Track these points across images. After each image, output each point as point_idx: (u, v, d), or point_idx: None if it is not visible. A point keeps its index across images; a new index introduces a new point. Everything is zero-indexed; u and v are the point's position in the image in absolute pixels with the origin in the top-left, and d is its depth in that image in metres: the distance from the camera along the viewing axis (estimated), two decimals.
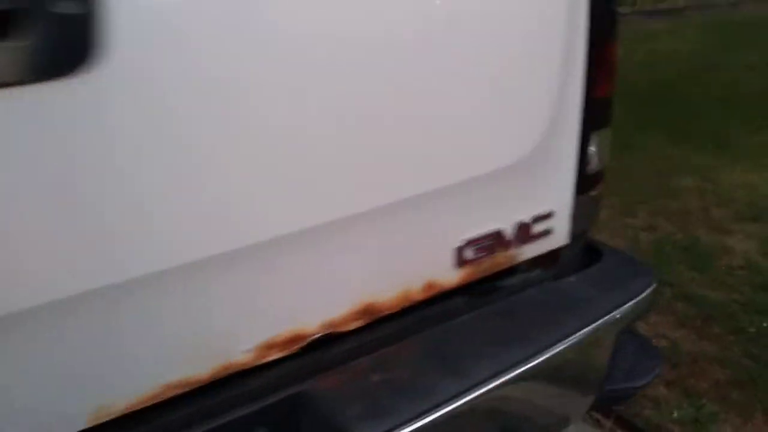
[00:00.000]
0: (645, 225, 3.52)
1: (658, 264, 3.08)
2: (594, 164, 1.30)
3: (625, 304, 1.23)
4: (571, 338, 1.11)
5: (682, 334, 2.65)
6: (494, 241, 1.16)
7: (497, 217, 1.15)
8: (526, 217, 1.19)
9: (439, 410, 0.95)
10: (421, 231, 1.06)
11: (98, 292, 0.79)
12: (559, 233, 1.26)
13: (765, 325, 2.59)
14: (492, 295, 1.23)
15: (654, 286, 1.31)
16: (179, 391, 0.90)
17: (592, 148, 1.29)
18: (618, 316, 1.21)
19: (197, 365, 0.90)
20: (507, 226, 1.17)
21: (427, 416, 0.94)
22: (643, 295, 1.27)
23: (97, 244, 0.77)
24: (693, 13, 8.79)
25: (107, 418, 0.84)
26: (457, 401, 0.97)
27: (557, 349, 1.09)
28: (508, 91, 1.08)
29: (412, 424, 0.92)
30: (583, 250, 1.40)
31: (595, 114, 1.25)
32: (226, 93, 0.80)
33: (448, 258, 1.10)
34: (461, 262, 1.13)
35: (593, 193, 1.33)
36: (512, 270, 1.28)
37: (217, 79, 0.79)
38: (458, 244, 1.12)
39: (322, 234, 0.95)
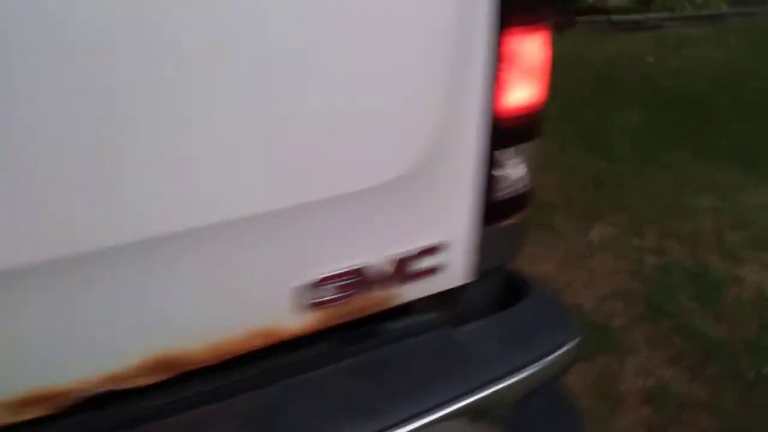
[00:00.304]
0: (653, 247, 3.22)
1: (660, 292, 2.81)
2: (511, 187, 1.06)
3: (530, 364, 0.99)
4: (442, 408, 0.88)
5: (673, 372, 2.38)
6: (359, 278, 0.93)
7: (363, 249, 0.92)
8: (405, 250, 0.96)
9: None
10: (247, 265, 0.83)
11: None
12: (456, 270, 1.02)
13: (766, 371, 2.29)
14: (367, 343, 1.00)
15: (578, 340, 1.07)
16: None
17: (509, 167, 1.05)
18: (519, 379, 0.97)
19: None
20: (378, 260, 0.94)
21: None
22: (560, 352, 1.02)
23: None
24: (736, 19, 8.29)
25: None
26: None
27: (417, 424, 0.85)
28: (372, 93, 0.84)
29: None
30: (503, 290, 1.16)
31: (509, 126, 1.01)
32: None
33: (286, 300, 0.88)
34: (310, 304, 0.90)
35: (510, 221, 1.09)
36: (405, 310, 1.06)
37: None
38: (304, 282, 0.89)
39: (89, 264, 0.73)
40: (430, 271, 1.00)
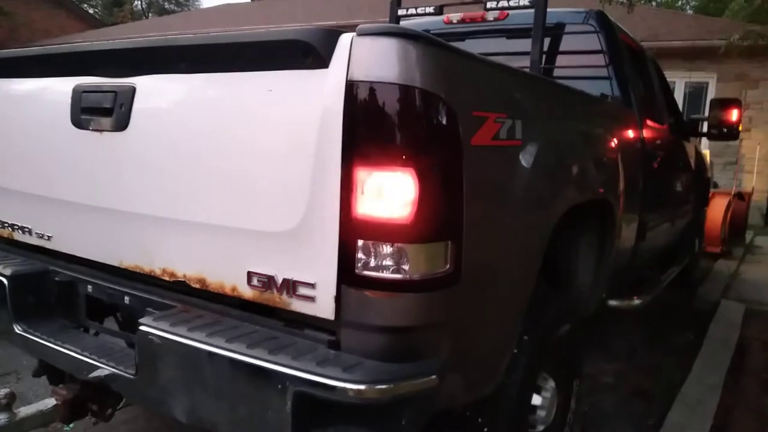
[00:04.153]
0: None
1: None
2: (373, 270, 1.59)
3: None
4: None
5: None
6: (268, 281, 1.73)
7: (272, 266, 1.72)
8: (292, 276, 1.69)
9: None
10: (225, 246, 1.82)
11: None
12: (323, 306, 1.64)
13: None
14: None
15: None
16: None
17: (370, 256, 1.59)
18: None
19: None
20: (278, 275, 1.71)
21: None
22: None
23: None
24: None
25: None
26: None
27: None
28: (271, 191, 1.69)
29: None
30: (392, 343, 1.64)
31: (368, 228, 1.58)
32: None
33: (244, 275, 1.78)
34: (250, 285, 1.78)
35: (370, 293, 1.60)
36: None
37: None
38: (248, 269, 1.77)
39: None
40: (308, 298, 1.67)
